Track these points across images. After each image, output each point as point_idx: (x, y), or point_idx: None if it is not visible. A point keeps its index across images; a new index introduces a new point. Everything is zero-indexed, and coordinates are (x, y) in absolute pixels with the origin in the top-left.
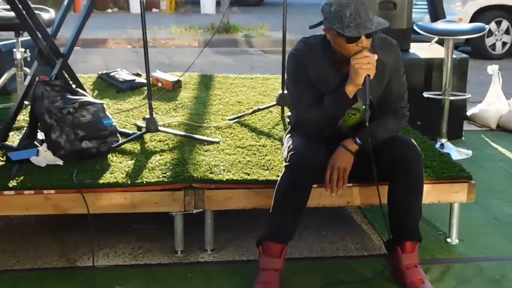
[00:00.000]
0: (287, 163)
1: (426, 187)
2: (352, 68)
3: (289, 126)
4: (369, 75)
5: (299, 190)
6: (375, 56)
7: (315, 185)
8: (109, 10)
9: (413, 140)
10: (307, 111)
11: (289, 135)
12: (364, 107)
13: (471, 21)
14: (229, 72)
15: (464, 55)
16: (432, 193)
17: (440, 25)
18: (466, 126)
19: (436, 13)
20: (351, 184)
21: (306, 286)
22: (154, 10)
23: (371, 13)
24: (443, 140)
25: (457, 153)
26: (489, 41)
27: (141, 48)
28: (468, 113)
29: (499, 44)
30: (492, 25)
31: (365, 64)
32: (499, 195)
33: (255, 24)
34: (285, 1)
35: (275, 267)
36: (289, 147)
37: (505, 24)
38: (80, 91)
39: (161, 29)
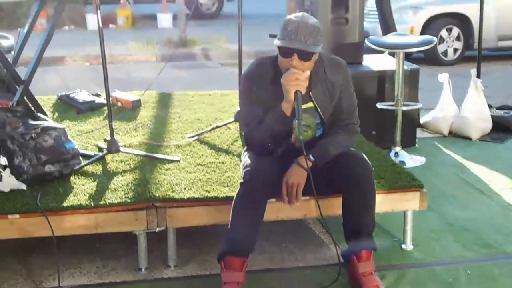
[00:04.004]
0: (242, 181)
1: (379, 197)
2: (282, 85)
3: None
4: (300, 91)
5: (254, 205)
6: (306, 73)
7: (272, 200)
8: (66, 28)
9: (363, 155)
10: (255, 130)
11: (246, 152)
12: (297, 121)
13: (423, 29)
14: (187, 86)
15: (415, 66)
16: (385, 203)
17: (390, 38)
18: (420, 133)
19: (387, 27)
20: (307, 197)
21: None
22: (111, 26)
23: (311, 39)
24: (398, 149)
25: (411, 160)
26: (441, 48)
27: (100, 65)
28: (422, 120)
29: (450, 51)
30: (444, 32)
31: (292, 81)
32: (451, 200)
33: (213, 36)
34: (240, 14)
35: (236, 280)
36: (243, 164)
37: (455, 31)
38: (41, 115)
39: (118, 45)
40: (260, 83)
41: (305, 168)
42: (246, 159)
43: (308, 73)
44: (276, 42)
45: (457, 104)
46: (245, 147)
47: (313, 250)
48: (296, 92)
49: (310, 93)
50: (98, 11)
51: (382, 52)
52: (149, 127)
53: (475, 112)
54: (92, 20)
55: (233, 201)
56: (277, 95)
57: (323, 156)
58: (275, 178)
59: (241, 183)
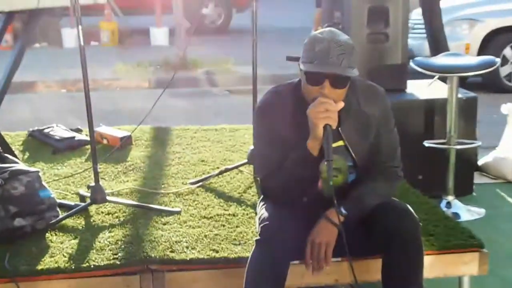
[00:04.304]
0: (258, 238)
1: (429, 259)
2: (309, 118)
3: None
4: (329, 125)
5: (274, 269)
6: (339, 104)
7: (295, 262)
8: (37, 45)
9: (408, 207)
10: (274, 174)
11: (262, 202)
12: (326, 163)
13: (482, 46)
14: (189, 119)
15: (472, 94)
16: (436, 266)
17: (441, 59)
18: (478, 179)
19: (437, 45)
20: (339, 259)
21: None
22: (93, 43)
23: (346, 60)
24: (450, 198)
25: (468, 212)
26: (504, 70)
27: (79, 92)
28: (480, 162)
29: None
30: (507, 51)
31: (321, 113)
32: None
33: (219, 57)
34: (255, 29)
35: None
36: (260, 217)
37: None
38: (10, 157)
39: (102, 67)
40: (279, 116)
41: (335, 224)
42: (262, 211)
43: (341, 104)
44: (303, 67)
45: None
46: (262, 196)
47: None
48: (325, 127)
49: (339, 128)
50: (79, 26)
51: (431, 76)
52: (142, 171)
53: None
54: (69, 36)
55: (247, 263)
56: (299, 131)
57: (357, 208)
58: (298, 234)
59: (256, 241)
